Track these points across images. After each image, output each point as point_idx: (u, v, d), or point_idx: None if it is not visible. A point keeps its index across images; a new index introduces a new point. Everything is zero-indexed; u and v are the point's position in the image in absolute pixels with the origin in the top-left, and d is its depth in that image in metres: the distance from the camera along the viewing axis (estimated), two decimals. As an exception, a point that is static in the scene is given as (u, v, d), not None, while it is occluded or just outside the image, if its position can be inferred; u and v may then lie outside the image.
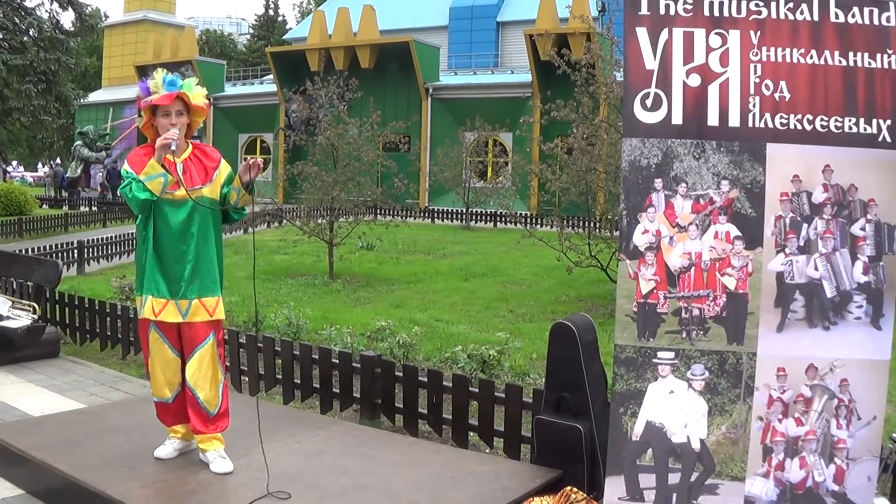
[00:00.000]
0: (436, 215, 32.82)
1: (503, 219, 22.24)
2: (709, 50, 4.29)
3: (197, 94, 5.16)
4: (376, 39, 41.15)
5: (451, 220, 31.80)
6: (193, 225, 5.14)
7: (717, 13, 4.30)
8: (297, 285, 15.64)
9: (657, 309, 4.37)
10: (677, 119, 4.32)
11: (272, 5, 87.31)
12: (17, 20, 24.18)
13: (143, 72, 50.27)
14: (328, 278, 16.46)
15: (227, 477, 5.09)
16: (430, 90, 40.01)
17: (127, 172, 5.07)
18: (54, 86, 24.52)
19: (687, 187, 4.32)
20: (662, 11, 4.34)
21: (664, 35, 4.33)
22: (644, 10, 4.36)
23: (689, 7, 4.32)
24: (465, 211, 30.76)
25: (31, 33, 24.54)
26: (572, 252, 13.52)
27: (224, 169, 5.26)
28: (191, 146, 5.27)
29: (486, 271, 17.99)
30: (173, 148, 4.97)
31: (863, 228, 4.23)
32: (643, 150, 4.36)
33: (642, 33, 4.35)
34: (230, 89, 49.67)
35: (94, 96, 55.35)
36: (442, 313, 12.80)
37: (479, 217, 30.63)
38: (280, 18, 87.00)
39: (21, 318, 9.19)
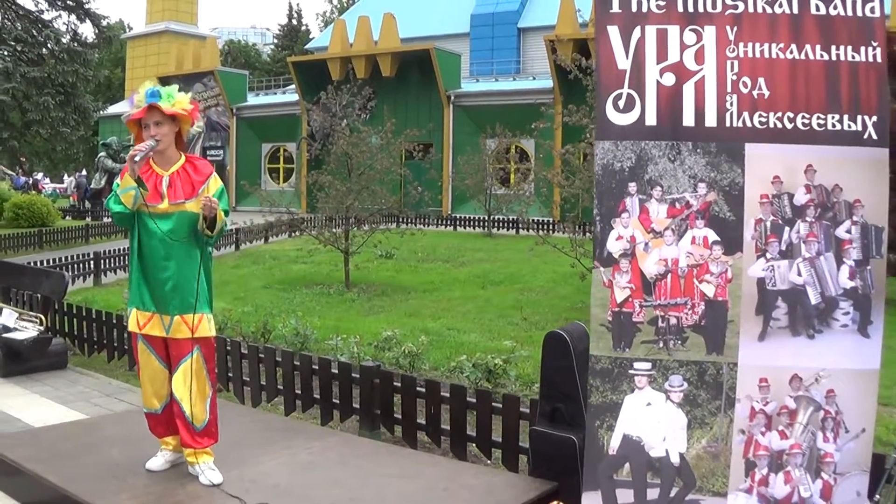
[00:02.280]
0: (458, 223, 32.72)
1: (524, 226, 22.09)
2: (683, 47, 4.11)
3: (177, 101, 5.07)
4: (397, 47, 41.11)
5: (474, 228, 31.68)
6: (175, 240, 5.06)
7: (691, 9, 4.12)
8: (312, 295, 15.55)
9: (633, 318, 4.19)
10: (651, 120, 4.14)
11: (295, 15, 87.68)
12: (34, 32, 24.23)
13: (166, 83, 50.54)
14: (344, 287, 16.35)
15: (215, 489, 5.01)
16: (452, 97, 39.91)
17: (116, 184, 5.05)
18: (73, 98, 24.56)
19: (662, 191, 4.14)
20: (634, 9, 4.17)
21: (636, 33, 4.15)
22: (615, 8, 4.19)
23: (661, 4, 4.15)
24: (486, 218, 30.63)
25: (48, 45, 24.57)
26: (587, 258, 13.34)
27: (213, 185, 5.15)
28: (183, 159, 5.19)
29: (503, 279, 17.82)
30: (137, 159, 4.88)
31: (848, 231, 4.03)
32: (616, 152, 4.18)
33: (614, 32, 4.18)
34: (253, 99, 49.81)
35: (118, 107, 55.71)
36: (455, 321, 12.66)
37: (500, 224, 30.49)
38: (303, 28, 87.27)
39: (28, 330, 9.21)
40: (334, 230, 17.45)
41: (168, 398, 5.23)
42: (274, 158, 46.53)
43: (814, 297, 4.03)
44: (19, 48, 24.01)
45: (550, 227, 19.47)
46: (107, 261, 17.93)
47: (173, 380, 5.16)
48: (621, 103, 4.17)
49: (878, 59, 4.00)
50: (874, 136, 3.98)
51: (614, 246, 4.22)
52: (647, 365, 4.16)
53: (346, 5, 78.90)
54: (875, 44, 4.00)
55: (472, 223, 32.10)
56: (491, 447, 6.24)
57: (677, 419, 4.12)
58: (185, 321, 5.08)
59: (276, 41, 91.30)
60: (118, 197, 4.96)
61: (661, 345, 4.15)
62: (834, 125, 3.99)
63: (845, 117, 3.99)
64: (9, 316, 9.34)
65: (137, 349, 5.28)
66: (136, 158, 4.88)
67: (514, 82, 41.91)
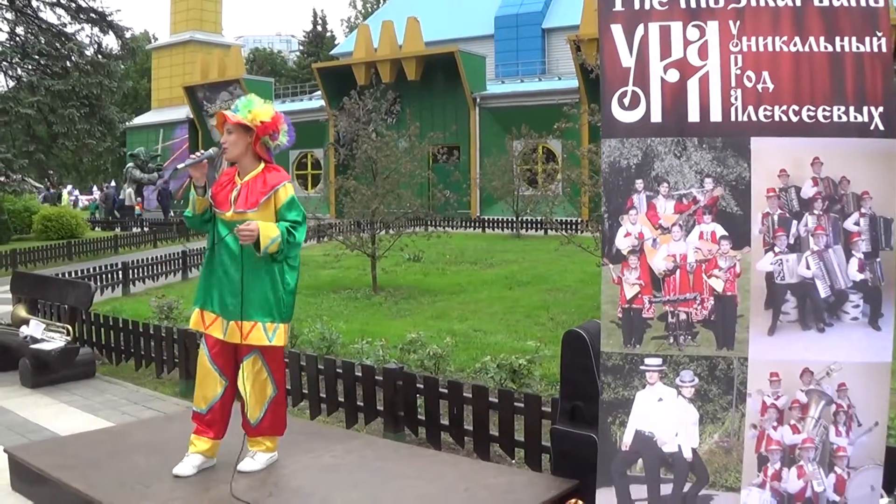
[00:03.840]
0: (486, 225, 32.72)
1: (552, 226, 22.16)
2: (686, 43, 4.11)
3: (252, 112, 5.27)
4: (422, 51, 41.13)
5: (502, 229, 31.67)
6: (237, 247, 5.23)
7: (693, 5, 4.12)
8: (339, 299, 15.63)
9: (643, 314, 4.19)
10: (656, 117, 4.14)
11: (320, 21, 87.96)
12: (58, 45, 24.40)
13: (192, 93, 51.01)
14: (371, 291, 16.41)
15: (240, 494, 5.03)
16: (478, 99, 39.87)
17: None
18: (98, 109, 24.67)
19: (669, 187, 4.14)
20: (637, 6, 4.17)
21: (640, 31, 4.16)
22: (618, 7, 4.20)
23: (664, 0, 4.15)
24: (514, 219, 30.60)
25: (72, 58, 24.73)
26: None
27: (281, 196, 5.29)
28: (260, 168, 5.36)
29: (531, 279, 17.82)
30: (179, 167, 5.24)
31: (857, 223, 4.00)
32: (622, 150, 4.19)
33: (617, 30, 4.19)
34: (279, 106, 49.80)
35: (145, 118, 56.17)
36: (481, 323, 12.68)
37: (529, 225, 30.45)
38: (328, 34, 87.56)
39: (55, 341, 9.32)
40: (361, 235, 17.51)
41: (214, 400, 5.40)
42: (301, 165, 46.68)
43: (823, 291, 4.01)
44: (43, 62, 24.20)
45: (577, 226, 19.48)
46: (135, 270, 18.09)
47: (238, 376, 5.40)
48: (626, 101, 4.17)
49: (884, 49, 3.98)
50: (881, 127, 3.96)
51: (623, 243, 4.22)
52: (658, 361, 4.16)
53: (370, 10, 79.17)
54: (879, 34, 3.98)
55: (500, 225, 32.10)
56: (514, 447, 6.27)
57: (689, 414, 4.12)
58: (238, 327, 5.24)
59: (301, 48, 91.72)
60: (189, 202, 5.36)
61: (672, 340, 4.15)
62: (840, 117, 3.97)
63: (851, 109, 3.97)
64: (36, 327, 9.47)
65: (199, 350, 5.55)
66: (179, 166, 5.21)
67: (539, 83, 41.81)
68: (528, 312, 13.60)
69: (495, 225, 32.45)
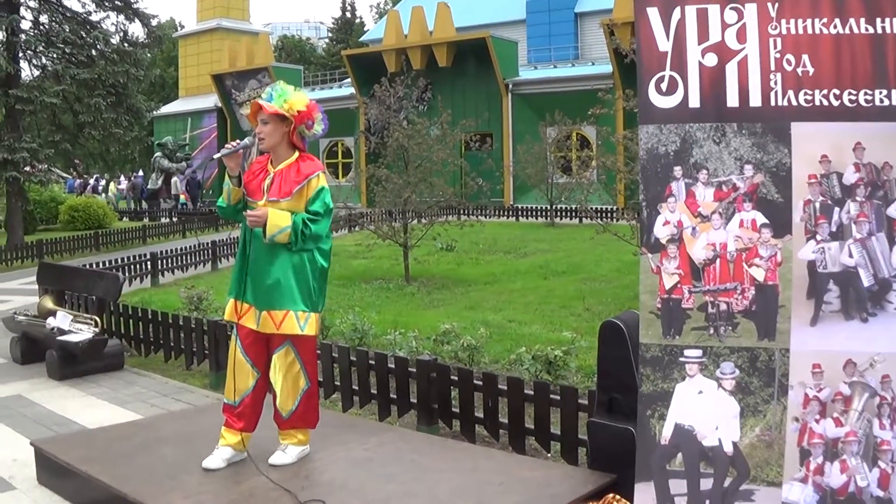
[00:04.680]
0: (520, 213, 32.67)
1: (586, 214, 22.19)
2: (724, 26, 4.07)
3: (288, 101, 5.28)
4: (453, 37, 41.06)
5: (536, 218, 31.62)
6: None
7: (731, -14, 4.07)
8: (371, 290, 15.65)
9: (682, 304, 4.16)
10: (694, 102, 4.10)
11: (349, 8, 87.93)
12: (83, 34, 24.45)
13: (220, 81, 51.21)
14: (403, 281, 16.44)
15: (271, 486, 5.07)
16: (510, 86, 39.79)
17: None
18: (125, 98, 24.64)
19: (708, 174, 4.11)
20: (673, -12, 4.14)
21: (676, 14, 4.12)
22: (654, -11, 4.16)
23: (701, -18, 4.11)
24: (549, 208, 30.54)
25: (97, 47, 24.74)
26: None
27: (313, 185, 5.33)
28: (294, 157, 5.40)
29: (566, 269, 17.79)
30: (215, 157, 5.41)
31: (901, 209, 3.95)
32: (660, 136, 4.16)
33: (653, 13, 4.15)
34: (309, 94, 49.71)
35: (173, 107, 56.40)
36: (516, 313, 12.66)
37: (563, 213, 30.37)
38: (358, 20, 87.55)
39: (83, 332, 9.34)
40: (393, 224, 17.53)
41: (246, 392, 5.43)
42: (332, 153, 46.81)
43: (866, 280, 3.96)
44: (68, 50, 24.19)
45: (613, 214, 19.39)
46: (164, 261, 18.17)
47: (270, 367, 5.41)
48: (664, 86, 4.14)
49: (928, 31, 3.92)
50: (925, 111, 3.90)
51: (661, 231, 4.19)
52: (698, 352, 4.13)
53: (399, -5, 79.14)
54: (924, 15, 3.92)
55: (534, 213, 32.07)
56: (550, 440, 6.23)
57: (730, 407, 4.09)
58: (271, 317, 5.28)
59: (330, 35, 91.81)
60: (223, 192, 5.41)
61: (712, 331, 4.12)
62: (882, 101, 3.91)
63: (893, 92, 3.91)
64: (64, 319, 9.50)
65: (231, 341, 5.60)
66: (216, 156, 5.29)
67: (572, 68, 41.65)
68: (563, 302, 13.56)
69: (529, 213, 32.41)
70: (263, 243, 5.23)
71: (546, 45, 47.67)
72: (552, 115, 30.28)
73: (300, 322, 5.28)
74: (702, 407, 4.13)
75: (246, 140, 5.33)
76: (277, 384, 5.38)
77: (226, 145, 5.28)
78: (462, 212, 23.14)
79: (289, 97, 5.26)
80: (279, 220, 5.14)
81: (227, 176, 5.35)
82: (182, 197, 45.39)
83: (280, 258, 5.25)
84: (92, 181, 50.70)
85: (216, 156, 5.26)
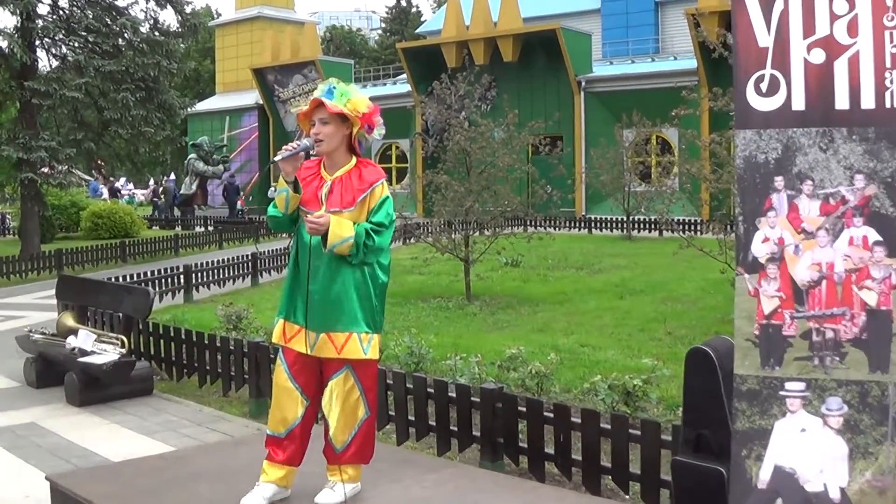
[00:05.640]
0: (593, 225, 32.60)
1: (667, 227, 22.11)
2: (833, 18, 4.00)
3: (351, 100, 5.28)
4: (520, 29, 41.13)
5: (611, 230, 31.57)
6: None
7: (841, -27, 4.02)
8: (428, 309, 15.72)
9: (783, 331, 4.09)
10: (798, 104, 4.04)
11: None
12: (108, 21, 24.42)
13: (261, 75, 51.63)
14: (464, 300, 16.48)
15: None
16: (583, 83, 39.76)
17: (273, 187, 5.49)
18: (155, 93, 24.47)
19: (813, 185, 4.04)
20: (775, -24, 4.09)
21: (779, 4, 4.06)
22: (754, -23, 4.12)
23: (807, -31, 4.05)
24: (625, 219, 30.43)
25: (125, 35, 24.72)
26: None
27: (377, 194, 5.33)
28: (353, 163, 5.39)
29: (644, 287, 17.76)
30: (277, 159, 5.18)
31: None
32: (759, 143, 4.10)
33: (752, 4, 4.10)
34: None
35: (208, 104, 56.83)
36: (589, 337, 12.64)
37: (641, 226, 30.24)
38: (414, 10, 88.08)
39: (108, 353, 9.34)
40: (453, 236, 17.54)
41: (294, 423, 5.40)
42: (385, 157, 47.05)
43: None
44: (91, 39, 24.26)
45: (697, 227, 19.25)
46: (199, 275, 18.23)
47: (324, 395, 5.38)
48: (764, 86, 4.09)
49: None
50: None
51: (760, 249, 4.13)
52: (801, 385, 4.06)
53: (461, -16, 79.32)
54: None
55: (608, 225, 32.05)
56: (628, 480, 6.21)
57: (837, 448, 4.01)
58: (331, 339, 5.27)
59: (383, 25, 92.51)
60: (275, 200, 5.34)
61: (817, 362, 4.04)
62: None
63: None
64: (86, 338, 9.53)
65: (276, 365, 5.57)
66: (276, 159, 5.17)
67: (652, 64, 41.55)
68: (641, 325, 13.53)
69: (603, 225, 32.37)
70: (321, 257, 5.22)
71: (623, 37, 47.57)
72: (629, 115, 30.17)
73: (363, 344, 5.28)
74: (805, 447, 4.05)
75: (305, 141, 5.24)
76: (333, 414, 5.34)
77: (284, 147, 5.23)
78: (529, 223, 23.11)
79: (351, 96, 5.26)
80: (342, 229, 5.13)
81: (280, 181, 5.30)
82: (239, 203, 45.76)
83: (342, 274, 5.24)
84: (118, 185, 51.28)
85: (277, 158, 5.18)
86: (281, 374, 5.45)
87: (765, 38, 4.09)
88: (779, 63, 4.07)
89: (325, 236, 5.13)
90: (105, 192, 51.09)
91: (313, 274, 5.28)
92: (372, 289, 5.32)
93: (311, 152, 5.31)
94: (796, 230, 4.08)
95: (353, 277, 5.25)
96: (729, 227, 14.10)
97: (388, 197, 5.34)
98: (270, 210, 5.43)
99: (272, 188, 5.98)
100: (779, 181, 4.09)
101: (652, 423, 6.10)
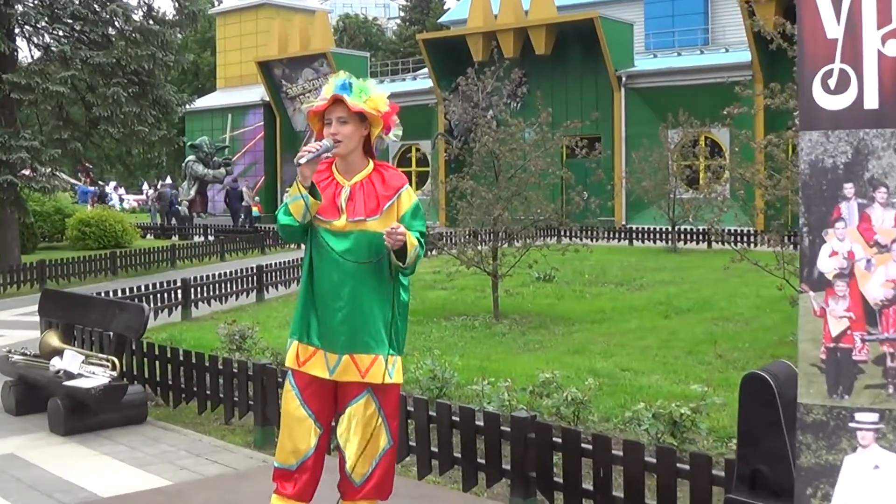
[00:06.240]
0: (634, 235, 32.58)
1: (717, 238, 22.14)
2: (912, 7, 3.99)
3: (371, 98, 5.25)
4: (553, 18, 41.23)
5: (654, 241, 31.55)
6: (351, 263, 5.23)
7: (920, -44, 4.00)
8: (452, 328, 15.74)
9: (853, 356, 4.05)
10: (871, 102, 4.01)
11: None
12: (96, 7, 24.20)
13: (267, 69, 51.82)
14: (492, 318, 16.48)
15: None
16: (623, 78, 39.81)
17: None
18: (150, 88, 24.24)
19: (888, 192, 4.00)
20: (846, -40, 4.07)
21: (850, -9, 4.05)
22: (822, -39, 4.10)
23: (882, -48, 4.03)
24: (670, 229, 30.38)
25: (115, 24, 24.56)
26: (797, 278, 13.04)
27: (405, 201, 5.33)
28: (371, 167, 5.39)
29: (692, 305, 17.73)
30: (302, 162, 5.10)
31: None
32: (827, 145, 4.07)
33: (820, -9, 4.09)
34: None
35: (209, 100, 57.05)
36: (631, 360, 12.62)
37: (688, 236, 30.19)
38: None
39: (97, 376, 9.26)
40: (479, 248, 17.54)
41: (306, 454, 5.37)
42: (405, 160, 47.22)
43: None
44: (78, 27, 24.16)
45: (751, 238, 19.20)
46: (198, 289, 18.27)
47: (339, 424, 5.37)
48: (832, 82, 4.06)
49: None
50: None
51: (827, 264, 4.10)
52: (874, 416, 4.02)
53: (488, -31, 79.61)
54: None
55: (651, 236, 32.03)
56: (676, 520, 6.19)
57: (914, 487, 3.99)
58: (354, 362, 5.25)
59: (402, 14, 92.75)
60: (287, 207, 5.23)
61: (892, 390, 4.01)
62: None
63: None
64: (72, 359, 9.45)
65: (284, 390, 5.52)
66: (301, 161, 5.09)
67: (701, 56, 41.53)
68: (689, 348, 13.49)
69: (646, 236, 32.35)
70: (347, 271, 5.19)
71: (669, 27, 47.55)
72: (675, 114, 30.15)
73: (389, 367, 5.25)
74: (878, 485, 4.02)
75: (326, 142, 5.17)
76: (351, 444, 5.31)
77: (305, 148, 5.14)
78: (564, 233, 23.15)
79: (370, 93, 5.22)
80: (413, 239, 5.15)
81: (294, 187, 5.22)
82: (255, 209, 45.86)
83: (369, 290, 5.23)
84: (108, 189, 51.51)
85: (301, 161, 5.08)
86: (292, 400, 5.40)
87: (834, 29, 4.06)
88: (849, 56, 4.04)
89: (403, 251, 5.11)
90: (92, 191, 51.16)
91: (336, 290, 5.24)
92: (395, 307, 5.31)
93: (328, 154, 5.28)
94: (868, 243, 4.05)
95: (379, 295, 5.25)
96: (787, 238, 14.07)
97: (418, 201, 5.34)
98: (283, 218, 5.30)
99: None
100: (848, 188, 4.06)
101: (702, 457, 6.07)
